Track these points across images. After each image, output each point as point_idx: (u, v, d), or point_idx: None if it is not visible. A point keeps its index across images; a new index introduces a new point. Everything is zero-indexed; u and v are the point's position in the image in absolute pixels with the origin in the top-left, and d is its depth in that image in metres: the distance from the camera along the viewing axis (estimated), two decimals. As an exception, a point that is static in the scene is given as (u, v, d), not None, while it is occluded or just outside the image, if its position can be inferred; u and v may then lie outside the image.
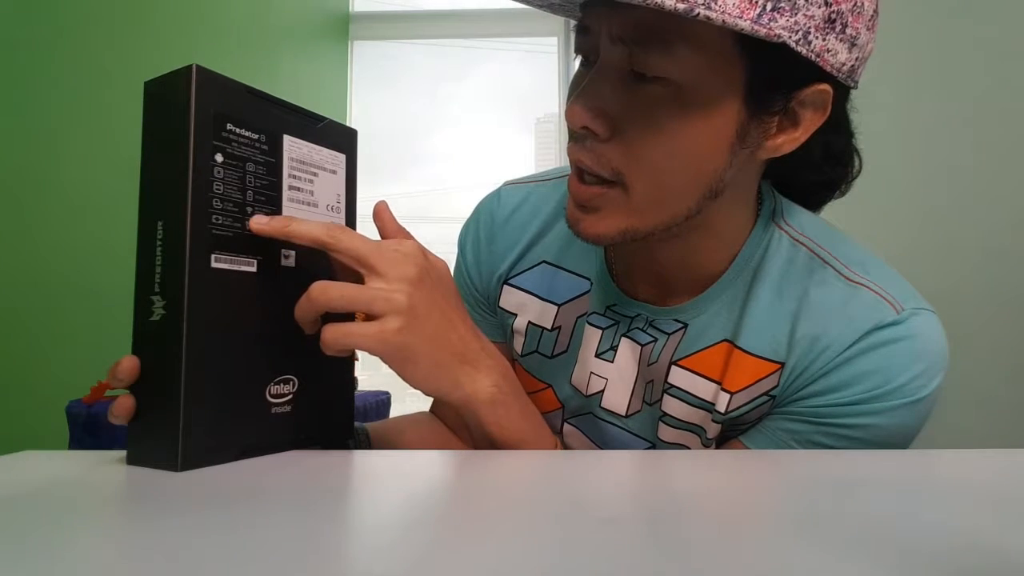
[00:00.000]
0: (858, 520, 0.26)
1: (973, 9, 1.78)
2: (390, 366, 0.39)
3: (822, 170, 0.52)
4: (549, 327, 0.57)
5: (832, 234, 0.51)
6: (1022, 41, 1.75)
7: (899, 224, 1.72)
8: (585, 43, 0.44)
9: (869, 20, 0.42)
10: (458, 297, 0.45)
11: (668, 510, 0.28)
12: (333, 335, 0.37)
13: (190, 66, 0.34)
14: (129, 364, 0.35)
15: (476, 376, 0.43)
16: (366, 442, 0.53)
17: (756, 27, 0.36)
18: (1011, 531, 0.25)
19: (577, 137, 0.44)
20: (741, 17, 0.35)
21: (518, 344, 0.60)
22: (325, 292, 0.37)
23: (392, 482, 0.35)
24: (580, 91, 0.42)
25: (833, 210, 0.57)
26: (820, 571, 0.21)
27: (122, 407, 0.35)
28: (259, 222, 0.37)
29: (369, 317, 0.39)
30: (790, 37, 0.37)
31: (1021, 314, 1.70)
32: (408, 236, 0.45)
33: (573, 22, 0.46)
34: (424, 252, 0.42)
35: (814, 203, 0.56)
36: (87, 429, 1.17)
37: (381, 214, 0.45)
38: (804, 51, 0.38)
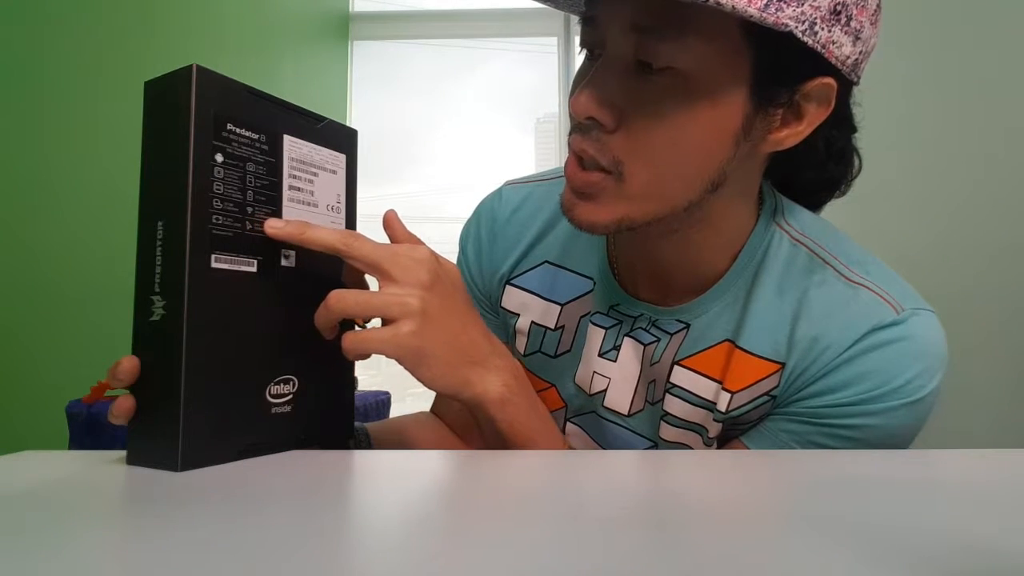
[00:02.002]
0: (858, 520, 0.26)
1: (976, 8, 1.78)
2: (405, 367, 0.40)
3: (823, 168, 0.52)
4: (552, 327, 0.58)
5: (832, 234, 0.51)
6: None
7: (899, 225, 1.72)
8: (591, 35, 0.44)
9: (872, 15, 0.42)
10: (469, 300, 0.45)
11: (669, 510, 0.28)
12: (352, 343, 0.39)
13: (190, 66, 0.34)
14: (129, 364, 0.35)
15: (486, 376, 0.43)
16: (366, 442, 0.53)
17: (764, 15, 0.36)
18: (1011, 531, 0.25)
19: (582, 128, 0.44)
20: (749, 5, 0.36)
21: (521, 344, 0.60)
22: (342, 300, 0.38)
23: (392, 482, 0.35)
24: (587, 81, 0.42)
25: (835, 211, 0.57)
26: (820, 571, 0.21)
27: (122, 407, 0.35)
28: (274, 226, 0.38)
29: (384, 321, 0.40)
30: (796, 27, 0.38)
31: (1021, 314, 1.70)
32: (419, 242, 0.45)
33: (576, 18, 0.47)
34: (436, 257, 0.43)
35: (814, 203, 0.56)
36: (87, 429, 1.17)
37: (391, 223, 0.46)
38: (810, 42, 0.39)
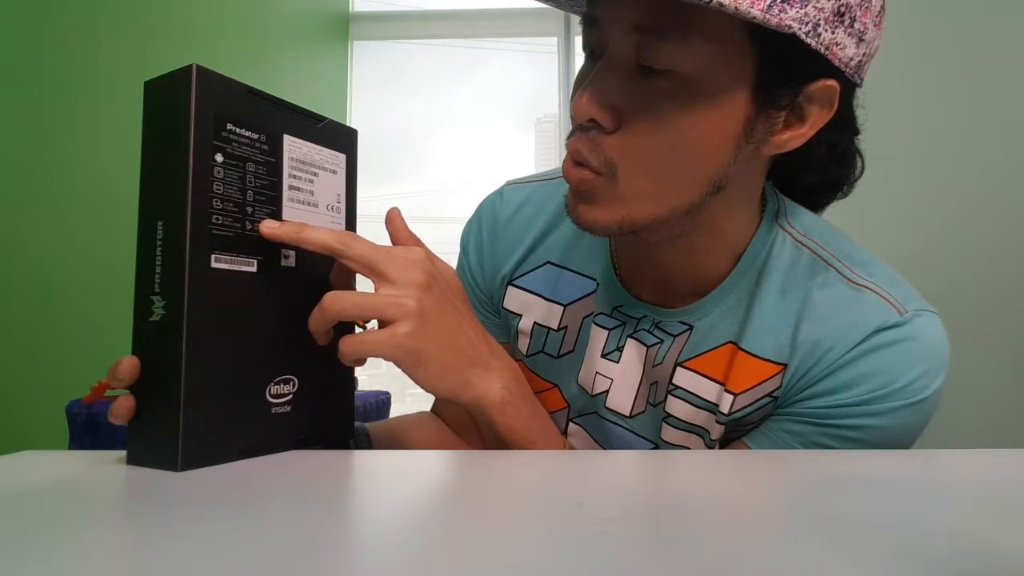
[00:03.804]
0: (858, 520, 0.26)
1: (979, 8, 1.78)
2: (403, 369, 0.40)
3: (825, 170, 0.52)
4: (555, 327, 0.58)
5: (835, 236, 0.51)
6: None
7: (900, 225, 1.72)
8: (593, 36, 0.44)
9: (876, 16, 0.42)
10: (466, 301, 0.45)
11: (670, 510, 0.28)
12: (349, 346, 0.38)
13: (190, 66, 0.34)
14: (129, 364, 0.35)
15: (486, 377, 0.43)
16: (366, 442, 0.53)
17: (767, 16, 0.36)
18: (1011, 531, 0.25)
19: (581, 128, 0.44)
20: (752, 7, 0.35)
21: (523, 344, 0.60)
22: (337, 302, 0.38)
23: (392, 482, 0.35)
24: (587, 83, 0.42)
25: (834, 211, 0.57)
26: (820, 571, 0.21)
27: (122, 407, 0.35)
28: (270, 227, 0.37)
29: (381, 324, 0.39)
30: (800, 28, 0.37)
31: (1021, 314, 1.69)
32: (418, 243, 0.45)
33: (578, 18, 0.46)
34: (432, 258, 0.43)
35: (816, 205, 0.55)
36: (87, 429, 1.17)
37: (393, 220, 0.45)
38: (813, 43, 0.38)
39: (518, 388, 0.45)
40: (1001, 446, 0.42)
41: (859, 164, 0.53)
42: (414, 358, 0.39)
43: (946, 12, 1.79)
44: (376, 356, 0.39)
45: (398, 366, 0.39)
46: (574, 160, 0.44)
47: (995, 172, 1.75)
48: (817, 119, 0.43)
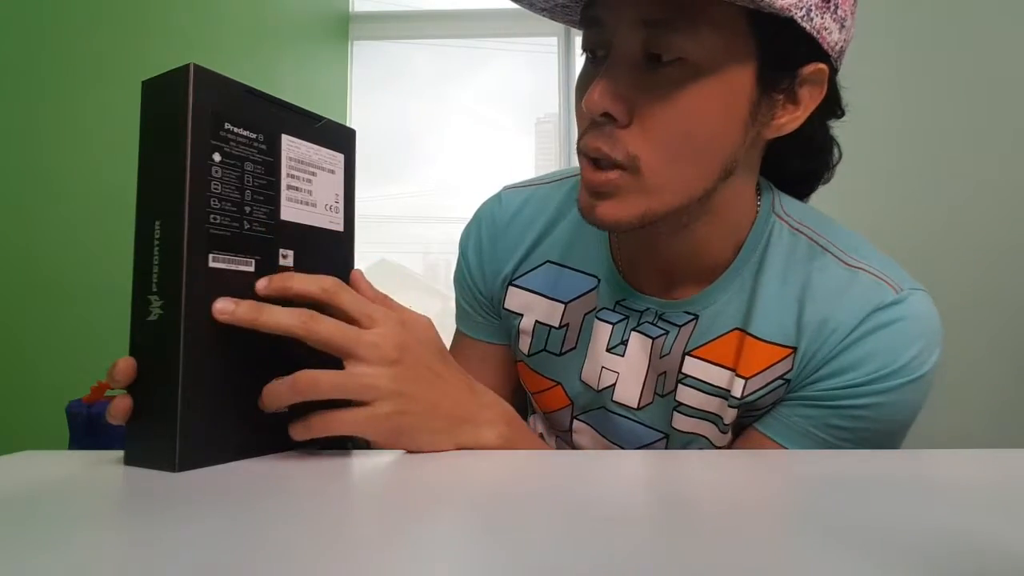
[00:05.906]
0: (858, 520, 0.26)
1: (979, 7, 1.77)
2: (384, 446, 0.39)
3: (814, 156, 0.53)
4: (556, 325, 0.58)
5: (825, 222, 0.53)
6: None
7: (900, 224, 1.72)
8: (595, 37, 0.45)
9: (852, 5, 0.44)
10: (443, 353, 0.44)
11: (671, 511, 0.28)
12: (322, 424, 0.37)
13: (188, 65, 0.34)
14: (125, 365, 0.34)
15: (478, 431, 0.43)
16: (365, 443, 0.53)
17: (772, 0, 0.38)
18: (1011, 531, 0.25)
19: (594, 125, 0.44)
20: None
21: (525, 344, 0.60)
22: (316, 385, 0.36)
23: (392, 482, 0.35)
24: (598, 78, 0.43)
25: (839, 212, 0.58)
26: (821, 571, 0.21)
27: (119, 407, 0.35)
28: (225, 311, 0.35)
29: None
30: (796, 13, 0.39)
31: (1021, 314, 1.69)
32: (386, 300, 0.43)
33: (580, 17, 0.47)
34: (401, 320, 0.41)
35: (802, 193, 0.57)
36: (87, 429, 1.17)
37: (358, 283, 0.43)
38: (808, 27, 0.41)
39: (514, 433, 0.45)
40: (1001, 446, 0.42)
41: (836, 151, 0.54)
42: (396, 436, 0.39)
43: (946, 11, 1.79)
44: (352, 434, 0.39)
45: (378, 444, 0.39)
46: (593, 160, 0.45)
47: (995, 172, 1.74)
48: (810, 101, 0.45)
